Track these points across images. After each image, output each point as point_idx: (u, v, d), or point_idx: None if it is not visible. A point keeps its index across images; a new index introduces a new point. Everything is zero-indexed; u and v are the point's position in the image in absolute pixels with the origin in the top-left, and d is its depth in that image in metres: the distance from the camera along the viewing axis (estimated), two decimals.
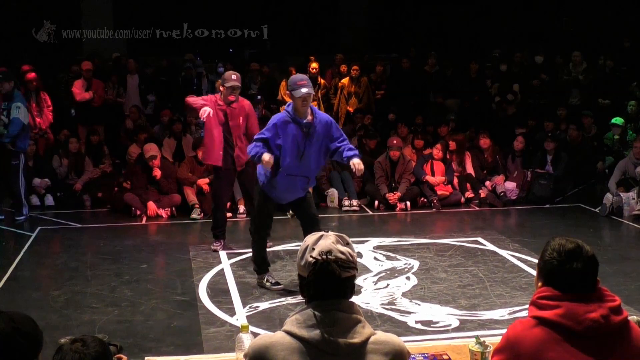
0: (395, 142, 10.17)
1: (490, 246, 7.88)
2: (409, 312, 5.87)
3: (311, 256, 2.42)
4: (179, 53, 13.62)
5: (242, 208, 9.55)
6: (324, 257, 2.40)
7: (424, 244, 8.03)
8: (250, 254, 6.77)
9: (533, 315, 2.50)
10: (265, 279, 6.51)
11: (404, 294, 6.31)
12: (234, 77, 7.57)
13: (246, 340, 3.14)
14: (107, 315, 5.86)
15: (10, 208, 9.45)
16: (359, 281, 6.51)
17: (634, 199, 9.37)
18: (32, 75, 10.46)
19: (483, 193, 10.23)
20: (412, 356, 3.25)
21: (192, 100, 7.72)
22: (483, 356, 3.13)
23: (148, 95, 12.54)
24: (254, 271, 6.67)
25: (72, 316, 5.85)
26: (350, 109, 12.38)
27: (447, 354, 3.35)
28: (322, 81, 12.51)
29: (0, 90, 9.19)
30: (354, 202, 9.95)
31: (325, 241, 2.45)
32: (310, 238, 2.50)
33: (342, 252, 2.43)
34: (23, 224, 9.08)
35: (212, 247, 7.86)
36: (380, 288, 6.48)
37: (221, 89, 7.65)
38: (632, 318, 2.71)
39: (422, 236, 8.35)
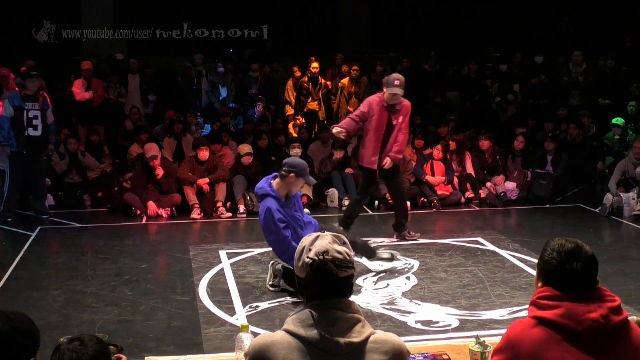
0: None
1: (490, 246, 7.88)
2: (409, 312, 5.86)
3: (308, 257, 2.43)
4: (179, 53, 13.59)
5: (242, 208, 9.54)
6: (321, 257, 2.40)
7: (424, 244, 8.02)
8: (251, 254, 6.75)
9: (533, 315, 2.50)
10: (271, 281, 6.42)
11: (404, 294, 6.30)
12: (396, 82, 7.45)
13: (246, 340, 3.13)
14: (107, 315, 5.86)
15: (35, 209, 9.44)
16: (358, 281, 6.52)
17: (634, 199, 9.36)
18: None
19: (483, 193, 10.23)
20: (412, 356, 3.24)
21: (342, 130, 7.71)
22: (483, 356, 3.13)
23: (148, 95, 12.53)
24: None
25: (71, 316, 5.85)
26: (351, 109, 12.33)
27: (447, 354, 3.35)
28: (323, 81, 12.49)
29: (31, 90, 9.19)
30: None
31: (321, 241, 2.45)
32: (307, 239, 2.50)
33: (338, 252, 2.43)
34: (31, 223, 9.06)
35: (406, 236, 8.12)
36: (380, 288, 6.48)
37: (384, 89, 7.61)
38: (632, 318, 2.70)
39: (422, 236, 8.33)
